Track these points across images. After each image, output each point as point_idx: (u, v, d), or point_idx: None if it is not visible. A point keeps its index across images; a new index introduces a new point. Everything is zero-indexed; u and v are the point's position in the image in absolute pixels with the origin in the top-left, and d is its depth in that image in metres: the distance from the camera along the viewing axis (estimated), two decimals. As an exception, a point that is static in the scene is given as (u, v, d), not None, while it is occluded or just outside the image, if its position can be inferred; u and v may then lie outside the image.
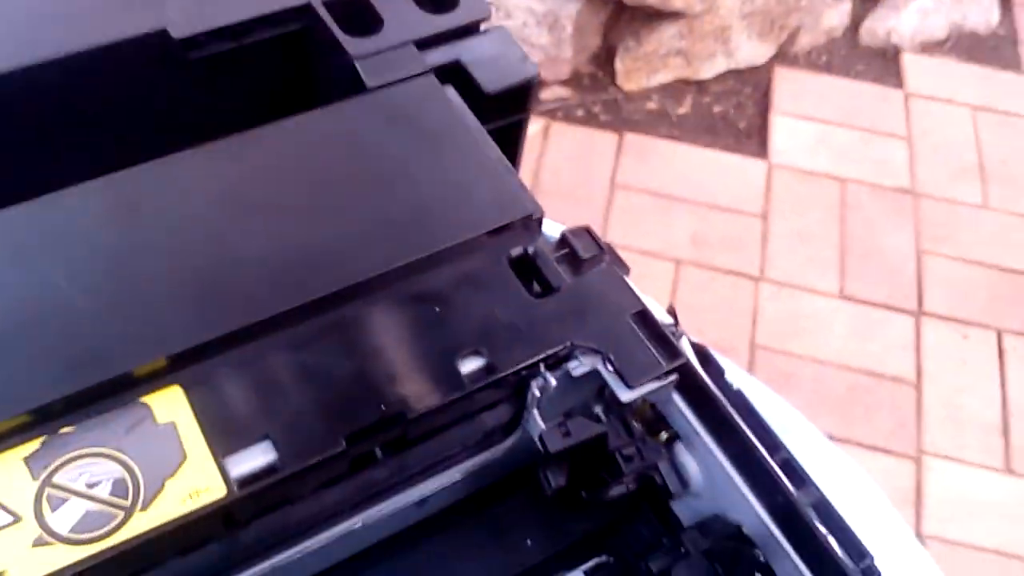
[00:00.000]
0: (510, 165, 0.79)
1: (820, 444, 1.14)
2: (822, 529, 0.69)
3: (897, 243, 2.26)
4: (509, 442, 0.74)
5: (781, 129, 2.46)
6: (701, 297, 0.75)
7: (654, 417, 0.78)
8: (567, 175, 2.20)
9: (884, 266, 2.23)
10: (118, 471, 0.58)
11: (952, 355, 2.13)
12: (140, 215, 0.68)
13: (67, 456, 0.58)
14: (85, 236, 0.68)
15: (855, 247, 2.24)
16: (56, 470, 0.58)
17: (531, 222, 0.75)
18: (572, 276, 0.74)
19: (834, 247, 2.23)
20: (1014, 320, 2.18)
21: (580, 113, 2.37)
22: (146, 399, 0.61)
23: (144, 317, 0.63)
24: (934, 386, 2.08)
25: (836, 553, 0.67)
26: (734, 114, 2.49)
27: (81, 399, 0.60)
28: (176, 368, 0.62)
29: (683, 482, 0.77)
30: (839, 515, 0.71)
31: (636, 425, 0.78)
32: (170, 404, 0.61)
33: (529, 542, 0.77)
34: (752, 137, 2.45)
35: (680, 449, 0.77)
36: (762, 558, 0.71)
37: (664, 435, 0.77)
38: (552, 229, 0.78)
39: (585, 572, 0.75)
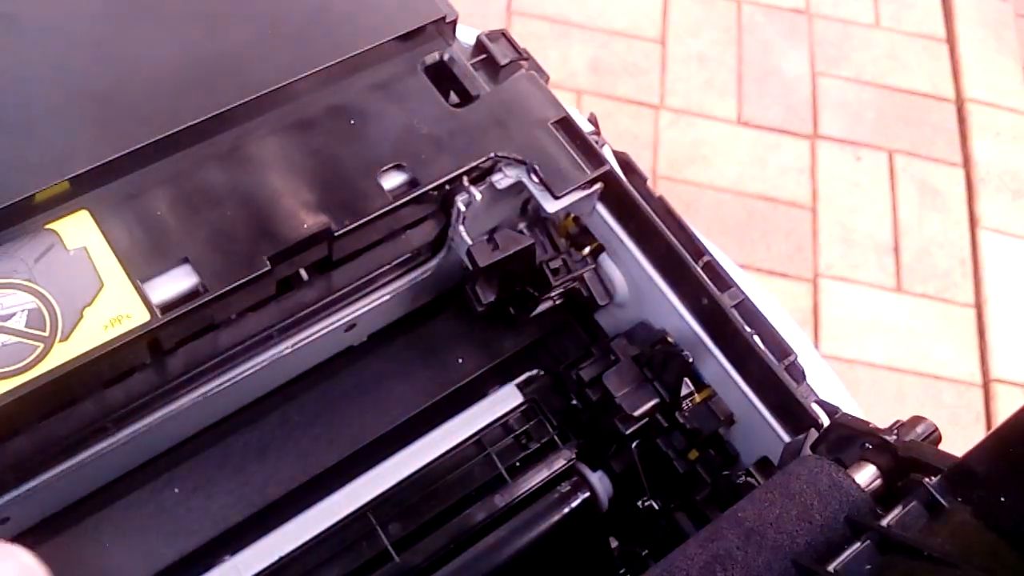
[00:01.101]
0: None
1: (728, 268, 1.16)
2: (747, 329, 0.70)
3: (792, 65, 2.27)
4: (436, 261, 0.72)
5: (674, -52, 2.42)
6: (604, 127, 0.74)
7: (577, 232, 0.77)
8: (460, 1, 2.13)
9: (780, 89, 2.23)
10: (32, 302, 0.54)
11: (846, 177, 2.17)
12: (22, 28, 0.62)
13: (-28, 290, 0.55)
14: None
15: (751, 71, 2.24)
16: (-38, 305, 0.54)
17: (444, 26, 0.71)
18: (491, 83, 0.72)
19: (731, 71, 2.23)
20: (904, 141, 2.22)
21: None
22: (52, 225, 0.57)
23: (40, 138, 0.59)
24: (829, 209, 2.12)
25: (761, 351, 0.68)
26: (626, -68, 2.43)
27: (-20, 230, 0.57)
28: (81, 191, 0.59)
29: (608, 292, 0.77)
30: (763, 316, 0.72)
31: (560, 240, 0.77)
32: (79, 229, 0.57)
33: (460, 360, 0.76)
34: (646, -44, 2.40)
35: (604, 260, 0.76)
36: (690, 360, 0.72)
37: (588, 248, 0.76)
38: (466, 35, 0.74)
39: (517, 386, 0.75)
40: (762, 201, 2.12)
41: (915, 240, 2.13)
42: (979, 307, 2.05)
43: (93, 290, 0.56)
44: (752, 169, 2.16)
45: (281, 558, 0.65)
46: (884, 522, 0.53)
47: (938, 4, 2.46)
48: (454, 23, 0.71)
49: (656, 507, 0.74)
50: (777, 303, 1.14)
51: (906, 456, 0.57)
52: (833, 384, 1.09)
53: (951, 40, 2.41)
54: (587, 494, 0.73)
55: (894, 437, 0.59)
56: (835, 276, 2.07)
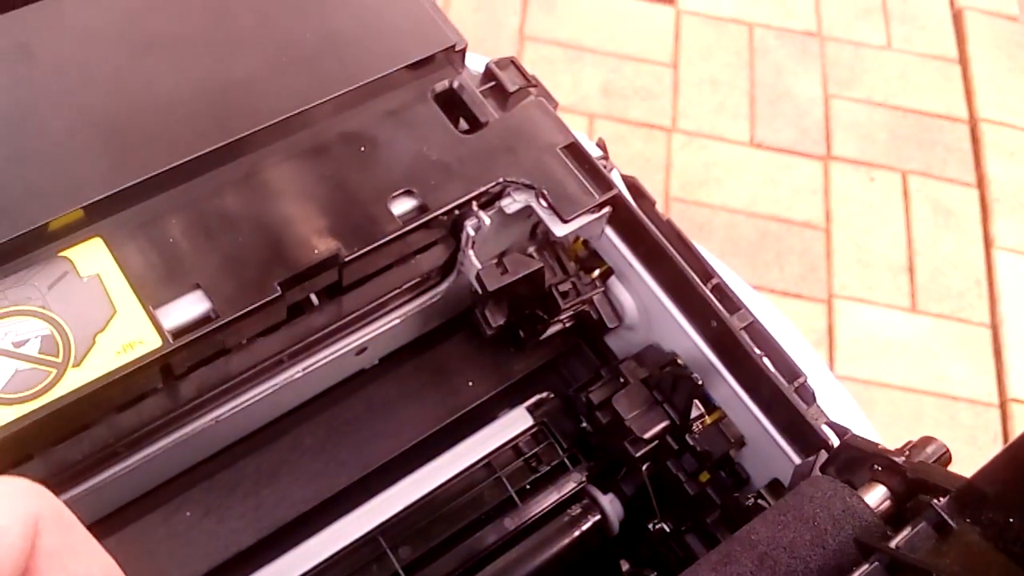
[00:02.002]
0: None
1: (742, 290, 1.16)
2: (756, 351, 0.70)
3: (805, 87, 2.28)
4: (446, 285, 0.73)
5: (687, -27, 2.43)
6: (616, 151, 0.74)
7: (587, 255, 0.77)
8: (473, 27, 2.14)
9: (792, 111, 2.24)
10: (45, 328, 0.55)
11: (859, 198, 2.17)
12: (36, 57, 0.64)
13: (-13, 316, 0.56)
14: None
15: (764, 93, 2.25)
16: (-23, 331, 0.55)
17: (454, 54, 0.72)
18: (500, 110, 0.72)
19: (743, 94, 2.24)
20: (917, 161, 2.22)
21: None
22: (66, 253, 0.58)
23: (55, 167, 0.60)
24: (843, 230, 2.12)
25: (771, 373, 0.69)
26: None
27: (-4, 257, 0.57)
28: (94, 219, 0.59)
29: (618, 315, 0.78)
30: (772, 338, 0.72)
31: (570, 263, 0.77)
32: (92, 257, 0.58)
33: (470, 383, 0.76)
34: (659, -18, 2.42)
35: (614, 283, 0.77)
36: (699, 382, 0.72)
37: (597, 271, 0.77)
38: (475, 62, 0.75)
39: (527, 409, 0.76)
40: (775, 222, 2.12)
41: (930, 260, 2.12)
42: (995, 327, 2.05)
43: (106, 316, 0.56)
44: (765, 190, 2.16)
45: (292, 582, 0.65)
46: (893, 543, 0.53)
47: (950, 25, 2.47)
48: (463, 51, 0.72)
49: (667, 529, 0.74)
50: (791, 324, 1.14)
51: (915, 477, 0.57)
52: (848, 405, 1.08)
53: (963, 61, 2.41)
54: (598, 517, 0.73)
55: (903, 458, 0.59)
56: (850, 297, 2.07)
